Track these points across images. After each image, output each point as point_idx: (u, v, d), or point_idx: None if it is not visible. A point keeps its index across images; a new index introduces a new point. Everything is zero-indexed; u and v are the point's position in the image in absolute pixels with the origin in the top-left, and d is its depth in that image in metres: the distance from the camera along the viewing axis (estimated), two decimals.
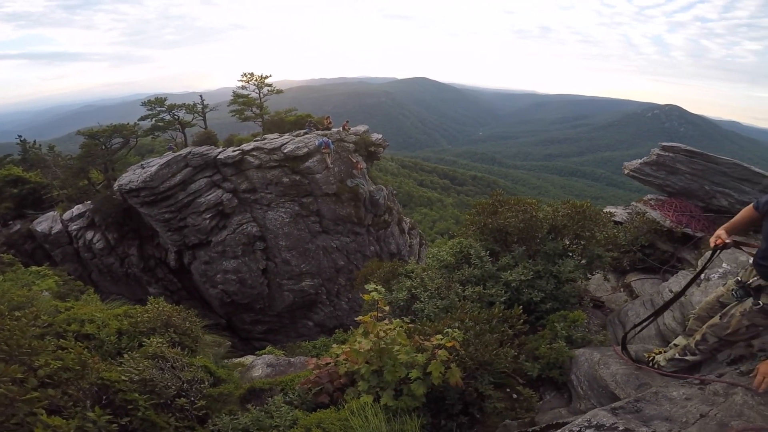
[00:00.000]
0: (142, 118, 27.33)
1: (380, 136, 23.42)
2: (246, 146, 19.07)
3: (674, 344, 3.44)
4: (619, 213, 7.68)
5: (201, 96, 29.19)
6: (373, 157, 22.87)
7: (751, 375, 2.45)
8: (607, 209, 7.96)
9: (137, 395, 3.07)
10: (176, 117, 27.38)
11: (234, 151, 18.76)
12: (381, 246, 20.72)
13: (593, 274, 5.77)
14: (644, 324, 3.66)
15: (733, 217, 3.12)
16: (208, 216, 18.12)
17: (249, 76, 27.85)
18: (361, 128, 23.14)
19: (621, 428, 2.35)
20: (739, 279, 2.92)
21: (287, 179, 18.33)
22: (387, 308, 3.11)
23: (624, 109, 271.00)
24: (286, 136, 20.09)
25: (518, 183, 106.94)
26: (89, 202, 20.11)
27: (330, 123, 22.13)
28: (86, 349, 3.31)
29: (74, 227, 19.28)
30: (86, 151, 23.62)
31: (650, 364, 3.44)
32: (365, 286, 3.16)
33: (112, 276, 19.55)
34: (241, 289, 19.14)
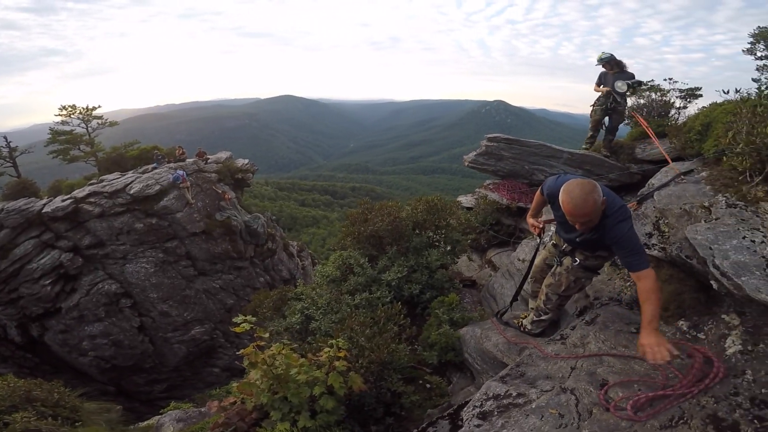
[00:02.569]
0: None
1: (247, 161, 22.23)
2: (79, 192, 15.82)
3: (531, 307, 3.83)
4: (467, 200, 8.83)
5: (5, 137, 23.24)
6: (243, 185, 21.59)
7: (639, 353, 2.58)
8: (458, 198, 9.14)
9: None
10: None
11: (64, 200, 15.43)
12: (272, 275, 19.68)
13: (458, 258, 6.58)
14: (513, 298, 4.16)
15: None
16: (48, 282, 14.66)
17: (70, 108, 23.39)
18: (223, 155, 21.60)
19: (515, 394, 2.49)
20: (555, 243, 3.38)
21: (141, 225, 15.84)
22: (267, 335, 3.09)
23: (464, 108, 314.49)
24: (130, 174, 17.19)
25: (392, 187, 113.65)
26: None
27: (183, 153, 19.94)
28: None
29: None
30: None
31: (521, 329, 3.80)
32: (233, 319, 3.08)
33: None
34: (120, 352, 16.04)
